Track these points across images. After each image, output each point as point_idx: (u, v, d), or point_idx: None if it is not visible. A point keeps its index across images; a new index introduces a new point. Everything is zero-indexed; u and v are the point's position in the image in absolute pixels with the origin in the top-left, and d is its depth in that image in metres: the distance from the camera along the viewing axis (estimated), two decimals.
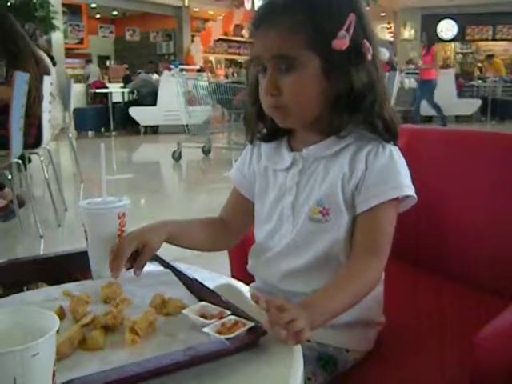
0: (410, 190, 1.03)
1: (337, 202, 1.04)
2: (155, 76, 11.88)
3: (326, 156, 1.07)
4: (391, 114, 1.05)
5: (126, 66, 14.94)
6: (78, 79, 12.80)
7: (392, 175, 1.02)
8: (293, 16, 0.98)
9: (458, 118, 12.59)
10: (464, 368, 0.96)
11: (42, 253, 3.41)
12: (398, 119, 1.07)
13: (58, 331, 0.78)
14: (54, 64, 4.80)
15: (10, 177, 3.57)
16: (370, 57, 1.01)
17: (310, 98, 1.02)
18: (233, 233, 1.22)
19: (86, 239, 1.05)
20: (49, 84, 4.17)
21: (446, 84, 12.40)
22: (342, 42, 0.98)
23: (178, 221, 1.13)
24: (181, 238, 1.10)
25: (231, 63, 19.67)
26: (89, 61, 13.85)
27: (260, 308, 0.82)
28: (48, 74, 4.15)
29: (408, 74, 12.40)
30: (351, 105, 1.01)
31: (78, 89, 10.54)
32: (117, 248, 0.98)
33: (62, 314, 0.88)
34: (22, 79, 3.53)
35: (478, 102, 12.75)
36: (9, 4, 8.38)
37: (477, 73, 15.83)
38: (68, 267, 1.10)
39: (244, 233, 1.24)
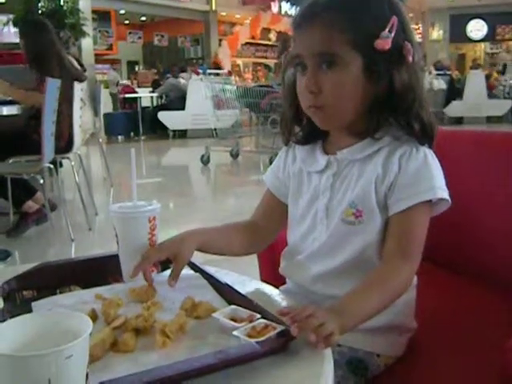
0: (443, 193, 1.02)
1: (370, 203, 1.04)
2: (183, 80, 11.97)
3: (360, 158, 1.06)
4: (429, 117, 1.04)
5: (155, 70, 15.05)
6: (107, 85, 12.95)
7: (425, 177, 1.01)
8: (336, 15, 0.99)
9: (489, 119, 12.40)
10: (497, 375, 0.94)
11: (73, 256, 3.46)
12: (436, 123, 1.06)
13: (90, 334, 0.79)
14: (84, 70, 4.86)
15: (41, 181, 3.62)
16: (410, 59, 1.01)
17: (350, 98, 1.01)
18: (264, 236, 1.22)
19: (117, 243, 1.06)
20: (79, 90, 4.23)
21: (475, 84, 12.25)
22: (384, 42, 0.98)
23: (208, 229, 1.14)
24: (212, 246, 1.10)
25: (259, 66, 19.70)
26: (113, 67, 13.92)
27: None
28: (81, 80, 4.21)
29: (437, 75, 12.26)
30: (389, 106, 1.01)
31: (107, 94, 10.66)
32: (144, 255, 0.99)
33: (94, 317, 0.89)
34: (53, 85, 3.58)
35: (508, 103, 12.55)
36: (40, 12, 8.52)
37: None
38: (100, 270, 1.11)
39: (275, 236, 1.24)
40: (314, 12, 1.02)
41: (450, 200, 1.03)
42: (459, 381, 1.07)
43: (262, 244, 1.24)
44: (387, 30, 0.98)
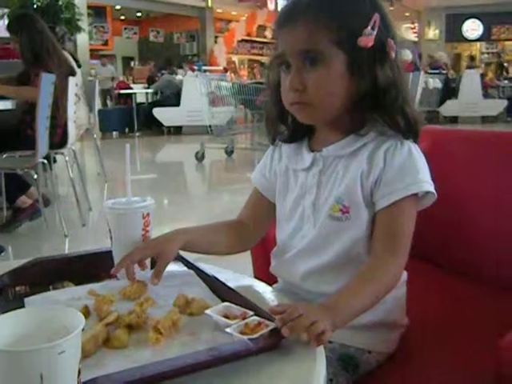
0: (429, 186, 1.02)
1: (356, 199, 1.04)
2: (179, 77, 11.95)
3: (346, 154, 1.07)
4: (413, 112, 1.05)
5: (152, 64, 14.98)
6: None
7: (411, 171, 1.02)
8: (318, 13, 1.00)
9: (484, 119, 12.44)
10: (488, 372, 0.95)
11: (66, 252, 3.45)
12: (421, 117, 1.07)
13: (83, 329, 0.79)
14: (79, 66, 4.85)
15: (35, 176, 3.62)
16: (393, 55, 1.02)
17: (334, 95, 1.02)
18: (251, 235, 1.22)
19: (111, 239, 1.06)
20: (74, 85, 4.22)
21: (471, 84, 12.28)
22: (367, 39, 0.99)
23: (194, 228, 1.14)
24: (198, 245, 1.10)
25: (255, 63, 19.69)
26: (104, 62, 13.76)
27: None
28: (73, 74, 4.19)
29: (432, 74, 12.29)
30: (373, 102, 1.02)
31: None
32: (126, 254, 0.99)
33: (86, 313, 0.89)
34: (47, 80, 3.57)
35: (503, 103, 12.59)
36: (35, 6, 8.49)
37: (503, 73, 15.60)
38: (93, 266, 1.11)
39: (262, 235, 1.24)
40: (296, 10, 1.03)
41: (435, 193, 1.04)
42: (451, 377, 1.08)
43: (249, 243, 1.24)
44: (370, 27, 0.99)
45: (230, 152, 7.83)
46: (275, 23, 1.06)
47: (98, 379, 0.67)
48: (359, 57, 1.00)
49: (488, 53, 20.60)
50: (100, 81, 10.09)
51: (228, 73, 12.88)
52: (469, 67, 14.53)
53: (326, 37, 0.99)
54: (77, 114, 4.45)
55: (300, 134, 1.14)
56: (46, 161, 3.79)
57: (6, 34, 4.18)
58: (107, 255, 1.07)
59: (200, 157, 7.34)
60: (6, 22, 5.83)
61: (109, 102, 12.90)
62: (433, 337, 1.18)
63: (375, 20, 0.99)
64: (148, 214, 1.04)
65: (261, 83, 7.68)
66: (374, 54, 1.00)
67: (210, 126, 7.55)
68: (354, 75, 1.01)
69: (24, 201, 3.87)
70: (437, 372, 1.10)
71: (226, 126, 7.82)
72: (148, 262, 1.03)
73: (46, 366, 0.53)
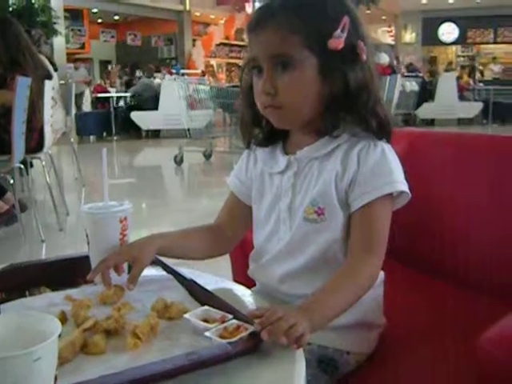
0: (403, 186, 1.03)
1: (331, 201, 1.05)
2: (157, 80, 11.90)
3: (319, 156, 1.08)
4: (385, 113, 1.06)
5: (127, 69, 14.92)
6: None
7: (384, 171, 1.03)
8: (289, 17, 1.00)
9: (460, 121, 12.59)
10: (467, 371, 0.96)
11: (43, 257, 3.41)
12: (393, 118, 1.09)
13: (59, 336, 0.78)
14: (56, 69, 4.81)
15: (11, 181, 3.57)
16: (364, 57, 1.03)
17: (306, 98, 1.03)
18: (228, 239, 1.22)
19: (88, 243, 1.05)
20: (50, 88, 4.18)
21: (447, 87, 12.42)
22: (337, 41, 1.00)
23: (170, 232, 1.14)
24: (173, 250, 1.10)
25: (233, 67, 19.71)
26: (76, 66, 13.49)
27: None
28: (49, 78, 4.15)
29: (409, 77, 12.41)
30: (345, 104, 1.03)
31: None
32: (102, 260, 0.99)
33: (63, 319, 0.89)
34: (23, 84, 3.53)
35: (479, 105, 12.76)
36: (11, 9, 8.41)
37: (478, 76, 15.82)
38: (70, 272, 1.10)
39: (239, 239, 1.24)
40: (266, 15, 1.03)
41: (409, 193, 1.04)
42: (430, 376, 1.09)
43: (226, 247, 1.24)
44: (339, 29, 1.00)
45: (208, 155, 7.82)
46: (247, 27, 1.07)
47: None
48: (330, 59, 1.01)
49: (464, 56, 20.85)
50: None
51: (206, 76, 12.87)
52: (447, 71, 14.70)
53: (295, 40, 1.00)
54: (53, 118, 4.40)
55: (274, 137, 1.15)
56: (22, 165, 3.75)
57: None
58: (84, 260, 1.06)
59: (179, 160, 7.32)
60: None
61: (84, 107, 12.72)
62: (411, 336, 1.19)
63: (345, 22, 1.00)
64: (125, 218, 1.03)
65: (239, 87, 7.68)
66: (344, 57, 1.01)
67: (188, 130, 7.53)
68: (326, 78, 1.02)
69: (0, 206, 3.82)
70: (416, 371, 1.10)
71: (204, 129, 7.80)
72: (125, 266, 1.02)
73: (21, 373, 0.53)
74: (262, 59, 1.03)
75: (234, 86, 7.82)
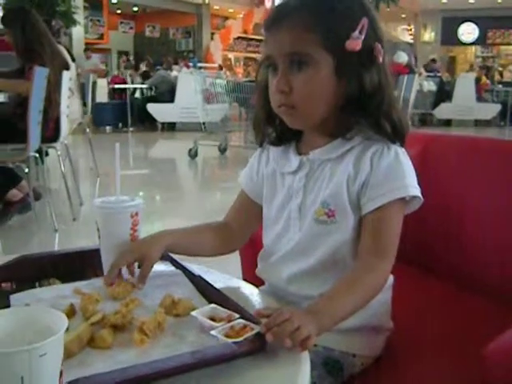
0: (416, 191, 1.02)
1: (342, 203, 1.04)
2: (174, 73, 11.92)
3: (332, 158, 1.07)
4: (399, 116, 1.05)
5: (149, 59, 14.91)
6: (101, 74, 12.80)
7: (397, 175, 1.02)
8: (307, 16, 1.00)
9: (477, 122, 12.48)
10: (475, 377, 0.95)
11: (56, 246, 3.44)
12: (407, 122, 1.08)
13: (67, 329, 0.79)
14: (74, 60, 4.83)
15: (26, 170, 3.60)
16: (381, 59, 1.02)
17: (321, 98, 1.02)
18: (237, 237, 1.22)
19: (99, 237, 1.06)
20: (68, 79, 4.20)
21: (465, 88, 12.31)
22: (355, 42, 0.99)
23: (178, 229, 1.13)
24: (181, 247, 1.10)
25: (250, 61, 19.69)
26: (87, 56, 13.32)
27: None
28: (67, 69, 4.17)
29: (428, 76, 12.32)
30: (359, 107, 1.02)
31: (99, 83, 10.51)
32: (112, 262, 0.99)
33: (72, 312, 0.89)
34: (41, 74, 3.55)
35: (497, 107, 12.63)
36: None
37: (497, 77, 15.67)
38: (81, 264, 1.11)
39: (248, 237, 1.24)
40: (284, 13, 1.03)
41: (422, 198, 1.04)
42: (436, 382, 1.08)
43: (235, 245, 1.24)
44: (357, 31, 0.99)
45: (223, 150, 7.82)
46: (264, 25, 1.07)
47: (81, 381, 0.67)
48: (346, 60, 1.00)
49: (483, 57, 20.65)
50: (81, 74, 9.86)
51: (223, 70, 12.86)
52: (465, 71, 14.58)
53: (313, 40, 0.99)
54: (70, 108, 4.43)
55: (287, 136, 1.14)
56: (37, 154, 3.78)
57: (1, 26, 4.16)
58: (95, 253, 1.07)
59: (193, 154, 7.33)
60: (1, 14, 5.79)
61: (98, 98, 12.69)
62: (418, 342, 1.18)
63: (363, 24, 1.00)
64: (137, 214, 1.04)
65: (255, 81, 7.66)
66: (361, 58, 1.01)
67: (203, 123, 7.53)
68: (341, 79, 1.01)
69: (15, 194, 3.85)
70: (422, 377, 1.10)
71: (219, 123, 7.81)
72: (135, 266, 1.03)
73: (26, 369, 0.53)
74: (278, 57, 1.02)
75: (250, 81, 7.79)
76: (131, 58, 15.80)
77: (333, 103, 1.03)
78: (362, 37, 0.99)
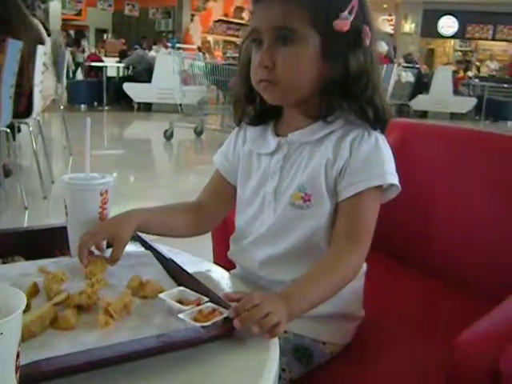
0: (394, 179, 1.01)
1: (319, 187, 1.03)
2: (152, 53, 11.77)
3: (311, 141, 1.05)
4: (383, 102, 1.04)
5: (123, 40, 14.76)
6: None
7: (376, 163, 1.01)
8: None
9: (453, 116, 12.60)
10: (440, 369, 0.95)
11: (25, 224, 3.38)
12: (390, 109, 1.06)
13: (29, 308, 0.76)
14: (49, 35, 4.71)
15: None
16: (368, 43, 1.01)
17: (304, 75, 1.00)
18: (209, 218, 1.19)
19: (66, 215, 1.03)
20: (42, 53, 4.11)
21: (442, 81, 12.41)
22: (343, 23, 0.97)
23: (149, 208, 1.10)
24: (152, 226, 1.06)
25: (229, 45, 19.55)
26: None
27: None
28: (42, 43, 4.08)
29: (406, 67, 12.36)
30: (343, 89, 1.00)
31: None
32: (80, 242, 0.96)
33: (35, 291, 0.86)
34: (14, 47, 3.46)
35: (473, 101, 12.76)
36: None
37: (474, 71, 15.80)
38: (47, 242, 1.07)
39: (221, 218, 1.22)
40: None
41: (399, 186, 1.03)
42: (404, 371, 1.08)
43: (208, 226, 1.22)
44: (347, 11, 0.98)
45: (199, 132, 7.77)
46: None
47: (40, 363, 0.64)
48: (333, 40, 0.98)
49: (461, 50, 20.80)
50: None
51: (202, 52, 12.75)
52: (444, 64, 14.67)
53: (302, 16, 0.97)
54: (43, 84, 4.33)
55: (266, 116, 1.12)
56: (8, 130, 3.69)
57: None
58: (61, 231, 1.04)
59: (168, 135, 7.26)
60: None
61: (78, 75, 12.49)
62: (388, 331, 1.18)
63: (353, 5, 0.98)
64: (106, 192, 1.01)
65: (234, 65, 7.61)
66: (348, 40, 0.99)
67: (180, 105, 7.46)
68: (326, 59, 0.99)
69: None
70: (390, 365, 1.10)
71: (196, 105, 7.74)
72: (104, 243, 1.00)
73: None
74: (264, 31, 1.00)
75: (229, 64, 7.73)
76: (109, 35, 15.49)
77: (316, 83, 1.01)
78: (351, 18, 0.98)
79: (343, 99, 1.02)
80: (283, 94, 1.03)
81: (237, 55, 1.18)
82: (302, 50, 0.98)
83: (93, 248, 0.98)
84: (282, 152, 1.08)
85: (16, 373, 0.56)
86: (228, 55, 15.63)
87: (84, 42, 13.41)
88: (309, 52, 0.99)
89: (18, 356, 0.55)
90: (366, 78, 1.01)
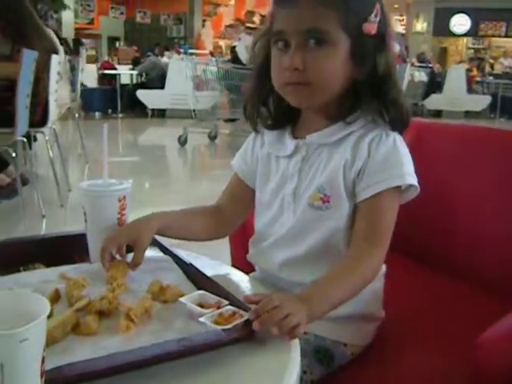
0: (412, 179, 1.01)
1: (338, 189, 1.03)
2: (164, 59, 11.82)
3: (329, 143, 1.05)
4: (405, 103, 1.04)
5: (136, 47, 14.85)
6: (91, 59, 12.64)
7: (395, 163, 1.01)
8: None
9: (467, 114, 12.51)
10: (463, 369, 0.94)
11: (43, 232, 3.40)
12: (411, 110, 1.06)
13: (52, 315, 0.77)
14: (62, 44, 4.76)
15: (14, 155, 3.55)
16: (391, 46, 1.03)
17: (336, 77, 1.01)
18: (228, 221, 1.19)
19: (85, 221, 1.03)
20: (56, 63, 4.14)
21: (456, 79, 12.33)
22: (372, 26, 0.99)
23: (169, 212, 1.11)
24: (173, 230, 1.07)
25: None
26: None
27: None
28: (56, 52, 4.11)
29: (420, 67, 12.30)
30: (369, 91, 1.02)
31: (89, 69, 10.39)
32: (102, 246, 0.96)
33: (56, 297, 0.87)
34: (30, 57, 3.50)
35: (487, 99, 12.66)
36: None
37: (488, 69, 15.68)
38: (66, 249, 1.08)
39: (240, 222, 1.22)
40: None
41: (418, 187, 1.02)
42: (425, 372, 1.07)
43: (227, 229, 1.22)
44: (373, 14, 0.99)
45: (213, 137, 7.79)
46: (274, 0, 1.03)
47: (63, 368, 0.65)
48: (363, 43, 0.99)
49: (474, 48, 20.66)
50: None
51: (215, 57, 12.78)
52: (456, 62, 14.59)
53: (334, 18, 0.97)
54: (58, 93, 4.37)
55: (283, 120, 1.12)
56: (25, 139, 3.72)
57: None
58: (81, 237, 1.05)
59: (183, 141, 7.28)
60: None
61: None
62: (409, 331, 1.17)
63: (377, 9, 1.00)
64: (124, 197, 1.02)
65: (247, 69, 7.61)
66: (375, 42, 1.00)
67: (194, 111, 7.48)
68: (356, 60, 1.00)
69: (2, 179, 3.81)
70: (411, 366, 1.09)
71: (210, 110, 7.76)
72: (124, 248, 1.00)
73: (6, 354, 0.51)
74: (292, 33, 0.99)
75: (242, 69, 7.74)
76: (121, 43, 15.56)
77: (344, 85, 1.02)
78: (377, 20, 0.99)
79: (367, 100, 1.03)
80: (313, 96, 1.02)
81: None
82: (333, 52, 0.98)
83: (114, 253, 0.98)
84: (300, 154, 1.08)
85: (41, 377, 0.56)
86: None
87: (83, 50, 13.46)
88: (341, 54, 0.99)
89: (43, 361, 0.55)
90: (391, 80, 1.02)
